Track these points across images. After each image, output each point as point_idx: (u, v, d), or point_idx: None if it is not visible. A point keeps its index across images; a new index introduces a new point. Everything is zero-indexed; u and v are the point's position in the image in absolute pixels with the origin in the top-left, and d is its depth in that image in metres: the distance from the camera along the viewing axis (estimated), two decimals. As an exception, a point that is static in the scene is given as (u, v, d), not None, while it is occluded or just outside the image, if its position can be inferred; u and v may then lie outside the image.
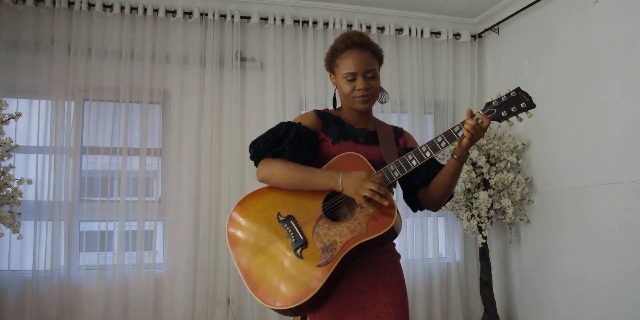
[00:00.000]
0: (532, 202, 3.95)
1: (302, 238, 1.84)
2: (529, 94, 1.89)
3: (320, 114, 2.07)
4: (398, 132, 2.15)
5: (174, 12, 3.97)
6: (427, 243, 4.17)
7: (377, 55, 2.03)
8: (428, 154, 1.86)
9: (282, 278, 1.82)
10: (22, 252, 3.55)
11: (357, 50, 1.98)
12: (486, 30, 4.44)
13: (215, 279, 3.78)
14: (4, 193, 3.29)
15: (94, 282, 3.61)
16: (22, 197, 3.30)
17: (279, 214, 1.90)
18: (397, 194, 2.16)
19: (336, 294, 1.87)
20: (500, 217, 3.95)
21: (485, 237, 3.92)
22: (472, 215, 3.91)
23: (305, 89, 4.15)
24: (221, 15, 4.07)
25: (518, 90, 1.90)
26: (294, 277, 1.81)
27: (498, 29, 4.39)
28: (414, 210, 2.17)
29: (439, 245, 4.22)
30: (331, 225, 1.84)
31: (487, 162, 3.95)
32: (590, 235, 3.46)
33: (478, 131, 1.83)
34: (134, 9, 3.91)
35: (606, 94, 3.38)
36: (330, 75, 2.09)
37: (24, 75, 3.69)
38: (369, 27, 4.30)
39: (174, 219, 3.80)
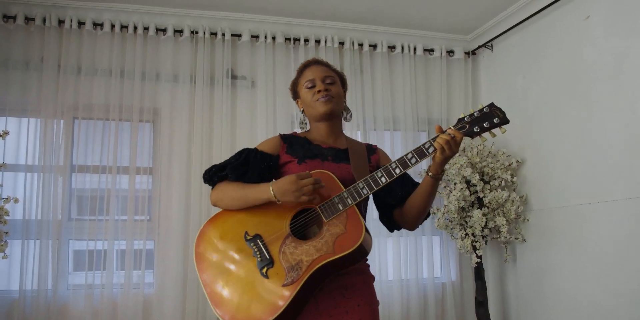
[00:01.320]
0: (528, 220, 4.07)
1: (268, 257, 1.93)
2: (503, 109, 1.98)
3: (285, 137, 2.22)
4: (371, 149, 2.26)
5: (164, 30, 4.14)
6: (421, 262, 4.28)
7: (337, 73, 2.23)
8: (397, 170, 1.94)
9: (246, 297, 1.91)
10: (9, 271, 3.67)
11: (315, 65, 2.24)
12: (480, 47, 4.61)
13: (204, 299, 3.86)
14: (-8, 212, 3.41)
15: (82, 302, 3.72)
16: (8, 215, 3.43)
17: (246, 232, 2.00)
18: (371, 212, 2.25)
19: (303, 316, 1.93)
20: (495, 235, 4.07)
21: (479, 256, 4.02)
22: (467, 234, 4.01)
23: (296, 107, 4.26)
24: (212, 33, 4.24)
25: (491, 105, 1.98)
26: (258, 296, 1.89)
27: (492, 46, 4.55)
28: (391, 230, 2.28)
29: (433, 264, 4.31)
30: (298, 244, 1.93)
31: (481, 180, 4.07)
32: (586, 254, 3.57)
33: (451, 146, 1.92)
34: (124, 27, 4.08)
35: (599, 110, 3.52)
36: (297, 102, 2.26)
37: (13, 93, 3.85)
38: (361, 45, 4.47)
39: (164, 238, 3.91)
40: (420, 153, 1.94)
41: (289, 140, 2.20)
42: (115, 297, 3.76)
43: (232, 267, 1.96)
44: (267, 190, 1.93)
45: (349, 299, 1.98)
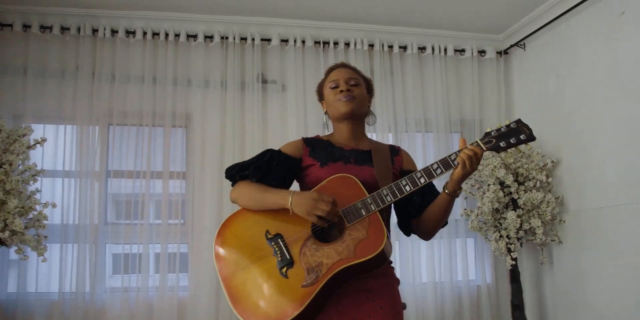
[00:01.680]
0: (564, 222, 4.02)
1: (288, 257, 1.96)
2: (530, 126, 2.00)
3: (307, 141, 2.25)
4: (394, 150, 2.28)
5: (195, 37, 4.23)
6: (455, 265, 4.26)
7: (363, 78, 2.26)
8: (422, 180, 1.96)
9: (264, 296, 1.94)
10: (49, 274, 3.79)
11: (341, 68, 2.28)
12: (512, 46, 4.58)
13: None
14: (30, 217, 3.53)
15: (118, 304, 3.81)
16: (47, 220, 3.55)
17: (267, 231, 2.04)
18: (393, 217, 2.27)
19: (323, 318, 1.95)
20: (531, 237, 4.03)
21: (514, 259, 3.99)
22: (501, 236, 3.99)
23: (326, 109, 4.32)
24: (242, 38, 4.32)
25: (519, 122, 2.01)
26: (276, 296, 1.92)
27: (524, 45, 4.52)
28: (407, 235, 2.29)
29: (468, 267, 4.29)
30: (319, 246, 1.95)
31: (516, 181, 4.04)
32: (625, 256, 3.52)
33: (472, 162, 1.93)
34: (155, 34, 4.19)
35: (635, 108, 3.46)
36: (322, 103, 2.29)
37: (50, 101, 4.00)
38: (390, 47, 4.49)
39: (197, 242, 3.99)
40: (445, 164, 1.97)
41: (311, 144, 2.23)
42: (151, 300, 3.85)
43: (251, 265, 2.00)
44: (287, 198, 1.97)
45: (372, 302, 1.99)
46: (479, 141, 1.98)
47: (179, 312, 3.87)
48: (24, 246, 3.46)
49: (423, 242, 4.23)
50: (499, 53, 4.68)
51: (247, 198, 2.09)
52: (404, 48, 4.52)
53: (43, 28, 4.03)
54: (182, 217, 4.10)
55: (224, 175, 3.95)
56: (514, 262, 4.00)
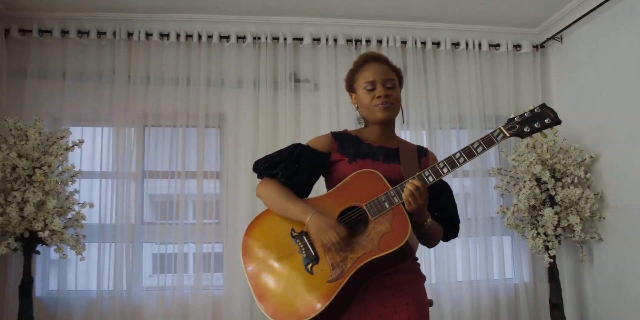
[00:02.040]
0: (604, 218, 3.93)
1: (313, 253, 1.97)
2: (555, 110, 1.96)
3: (336, 135, 2.22)
4: (422, 151, 2.25)
5: (227, 38, 4.29)
6: (491, 263, 4.20)
7: (395, 72, 2.19)
8: (445, 170, 1.94)
9: (290, 292, 1.95)
10: (87, 273, 3.90)
11: (375, 63, 2.18)
12: (548, 39, 4.48)
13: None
14: (69, 216, 3.65)
15: (154, 303, 3.89)
16: (85, 220, 3.66)
17: (292, 229, 2.05)
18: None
19: (351, 315, 1.96)
20: (569, 235, 3.95)
21: (552, 257, 3.92)
22: (538, 234, 3.91)
23: (359, 107, 4.32)
24: (274, 38, 4.36)
25: (543, 106, 1.98)
26: (302, 292, 1.93)
27: (561, 38, 4.43)
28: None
29: (504, 265, 4.23)
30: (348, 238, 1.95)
31: (552, 177, 3.96)
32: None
33: (416, 197, 1.90)
34: (189, 36, 4.26)
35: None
36: (351, 95, 2.25)
37: (87, 104, 4.12)
38: (423, 43, 4.46)
39: (232, 241, 4.04)
40: (468, 153, 1.94)
41: (340, 138, 2.21)
42: (186, 299, 3.92)
43: (277, 262, 2.02)
44: (307, 215, 1.97)
45: (398, 298, 1.98)
46: (501, 127, 1.96)
47: (213, 311, 3.93)
48: (63, 245, 3.58)
49: (458, 241, 4.19)
50: (535, 47, 4.59)
51: (270, 201, 2.11)
52: (437, 44, 4.48)
53: (80, 33, 4.15)
54: (216, 217, 4.16)
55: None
56: (551, 260, 3.92)
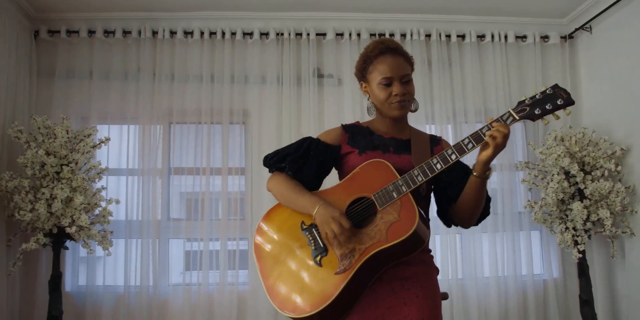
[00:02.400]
0: (636, 212, 3.83)
1: (322, 245, 1.96)
2: (568, 91, 1.90)
3: (347, 128, 2.21)
4: (435, 140, 2.22)
5: (251, 34, 4.31)
6: (519, 259, 4.13)
7: (409, 61, 2.14)
8: (453, 156, 1.90)
9: (300, 286, 1.95)
10: (115, 268, 3.97)
11: (391, 55, 2.10)
12: (577, 29, 4.38)
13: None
14: (96, 213, 3.73)
15: (180, 298, 3.94)
16: (112, 216, 3.73)
17: (302, 222, 2.05)
18: (433, 203, 2.23)
19: (361, 307, 1.94)
20: (599, 229, 3.85)
21: (582, 252, 3.83)
22: (567, 228, 3.83)
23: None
24: (297, 34, 4.36)
25: (555, 86, 1.92)
26: (312, 285, 1.92)
27: (590, 28, 4.33)
28: (448, 226, 2.23)
29: (532, 261, 4.15)
30: (352, 232, 1.94)
31: (582, 170, 3.87)
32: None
33: (498, 141, 1.85)
34: (212, 33, 4.30)
35: None
36: (361, 84, 2.21)
37: (114, 102, 4.19)
38: (448, 36, 4.42)
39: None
40: (477, 138, 1.90)
41: (350, 130, 2.20)
42: (212, 295, 3.96)
43: (287, 256, 2.03)
44: (315, 207, 1.97)
45: (408, 290, 1.96)
46: (511, 111, 1.92)
47: (239, 306, 3.96)
48: (90, 241, 3.66)
49: (485, 236, 4.14)
50: (564, 38, 4.49)
51: (280, 194, 2.12)
52: (462, 37, 4.42)
53: (107, 33, 4.23)
54: (241, 213, 4.19)
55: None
56: (580, 255, 3.83)
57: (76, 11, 4.27)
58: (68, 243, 3.73)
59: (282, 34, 4.35)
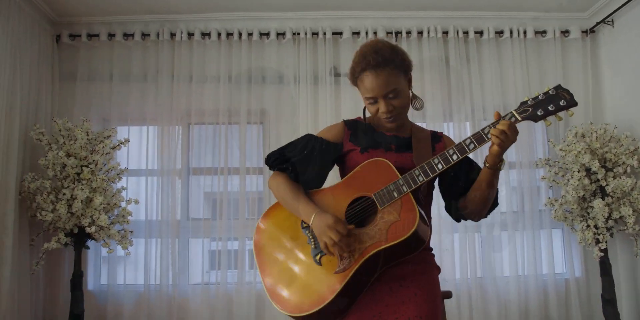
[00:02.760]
0: (660, 210, 3.73)
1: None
2: (571, 92, 1.88)
3: (349, 124, 2.19)
4: (436, 137, 2.20)
5: (267, 34, 4.34)
6: (540, 257, 4.08)
7: (399, 66, 2.06)
8: (455, 157, 1.88)
9: (299, 285, 1.95)
10: (135, 268, 4.04)
11: (374, 72, 2.02)
12: (598, 23, 4.30)
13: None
14: (116, 213, 3.80)
15: (199, 297, 3.98)
16: (131, 216, 3.79)
17: (302, 220, 2.04)
18: (436, 201, 2.21)
19: (359, 305, 1.93)
20: (622, 227, 3.78)
21: (603, 250, 3.76)
22: (588, 226, 3.77)
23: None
24: (313, 33, 4.36)
25: (558, 87, 1.89)
26: (310, 284, 1.92)
27: (612, 21, 4.24)
28: (457, 221, 2.20)
29: (553, 259, 4.09)
30: (352, 231, 1.93)
31: (603, 167, 3.80)
32: None
33: (503, 139, 1.83)
34: (230, 34, 4.33)
35: None
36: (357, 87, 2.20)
37: (134, 104, 4.26)
38: (466, 32, 4.38)
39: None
40: (479, 138, 1.88)
41: (353, 127, 2.19)
42: (230, 294, 3.99)
43: (287, 255, 2.03)
44: (310, 217, 1.97)
45: (406, 288, 1.95)
46: (513, 111, 1.89)
47: (257, 306, 3.98)
48: (110, 240, 3.73)
49: (504, 234, 4.10)
50: (585, 32, 4.41)
51: (280, 197, 2.12)
52: (480, 33, 4.37)
53: (126, 35, 4.30)
54: (259, 213, 4.22)
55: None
56: (602, 254, 3.76)
57: (96, 15, 4.35)
58: (90, 243, 3.81)
59: (298, 34, 4.37)
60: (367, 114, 2.22)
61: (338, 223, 1.90)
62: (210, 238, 4.12)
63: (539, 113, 1.86)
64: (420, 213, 1.88)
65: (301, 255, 2.00)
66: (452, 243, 4.07)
